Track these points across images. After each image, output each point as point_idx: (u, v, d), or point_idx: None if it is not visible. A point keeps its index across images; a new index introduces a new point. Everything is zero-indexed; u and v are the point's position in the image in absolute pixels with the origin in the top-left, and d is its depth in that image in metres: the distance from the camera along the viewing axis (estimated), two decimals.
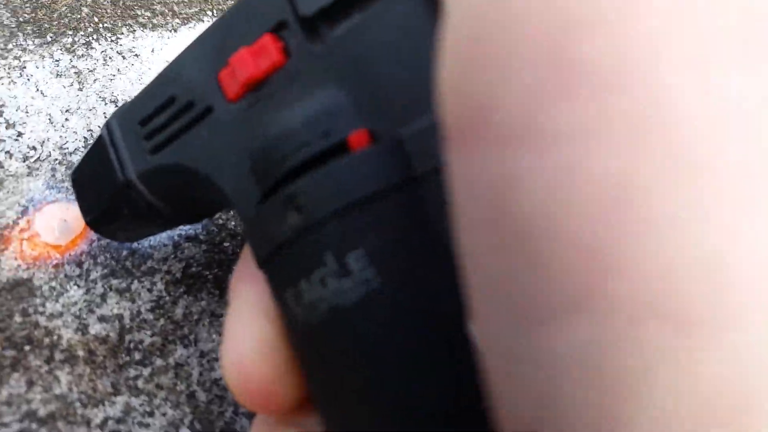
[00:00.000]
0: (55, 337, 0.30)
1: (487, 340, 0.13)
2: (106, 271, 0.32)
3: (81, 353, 0.30)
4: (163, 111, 0.22)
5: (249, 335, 0.19)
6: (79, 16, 0.41)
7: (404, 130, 0.16)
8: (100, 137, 0.26)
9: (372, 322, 0.16)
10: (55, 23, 0.40)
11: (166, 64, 0.38)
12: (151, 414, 0.29)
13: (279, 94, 0.19)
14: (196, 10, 0.42)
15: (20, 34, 0.39)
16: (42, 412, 0.29)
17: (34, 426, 0.28)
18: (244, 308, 0.20)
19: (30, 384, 0.29)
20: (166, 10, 0.42)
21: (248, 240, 0.19)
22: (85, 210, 0.28)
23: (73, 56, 0.39)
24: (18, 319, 0.30)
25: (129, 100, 0.26)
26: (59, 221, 0.32)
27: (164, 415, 0.29)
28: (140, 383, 0.30)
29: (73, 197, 0.33)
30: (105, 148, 0.26)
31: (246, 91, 0.19)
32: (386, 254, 0.15)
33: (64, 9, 0.41)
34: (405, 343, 0.15)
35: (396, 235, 0.16)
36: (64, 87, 0.37)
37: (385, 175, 0.16)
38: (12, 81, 0.37)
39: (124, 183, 0.24)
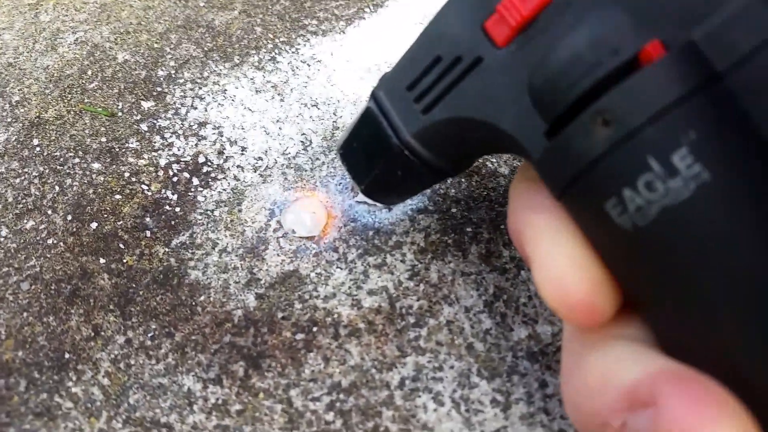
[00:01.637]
0: (335, 316, 0.33)
1: None
2: (360, 251, 0.35)
3: (362, 325, 0.33)
4: (430, 71, 0.23)
5: (562, 255, 0.19)
6: (255, 36, 0.44)
7: (694, 35, 0.17)
8: (367, 110, 0.28)
9: (709, 212, 0.16)
10: (236, 46, 0.43)
11: (347, 63, 0.41)
12: (440, 369, 0.31)
13: (552, 28, 0.20)
14: (355, 9, 0.45)
15: (210, 62, 0.42)
16: (344, 382, 0.31)
17: (341, 396, 0.31)
18: (547, 234, 0.20)
19: (326, 360, 0.32)
20: (329, 15, 0.45)
21: (541, 169, 0.20)
22: (359, 179, 0.31)
23: (264, 72, 0.42)
24: (298, 305, 0.33)
25: (388, 70, 0.28)
26: (308, 215, 0.35)
27: (452, 367, 0.31)
28: (422, 343, 0.32)
29: (310, 192, 0.36)
30: (375, 119, 0.27)
31: (516, 33, 0.21)
32: (709, 147, 0.16)
33: (239, 32, 0.44)
34: (744, 223, 0.16)
35: (714, 128, 0.16)
36: (267, 101, 0.40)
37: (688, 77, 0.16)
38: (219, 104, 0.40)
39: (399, 146, 0.26)
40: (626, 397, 0.19)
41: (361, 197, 0.36)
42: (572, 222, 0.21)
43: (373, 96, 0.28)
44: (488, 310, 0.32)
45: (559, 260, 0.20)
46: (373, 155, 0.29)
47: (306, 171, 0.37)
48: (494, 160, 0.37)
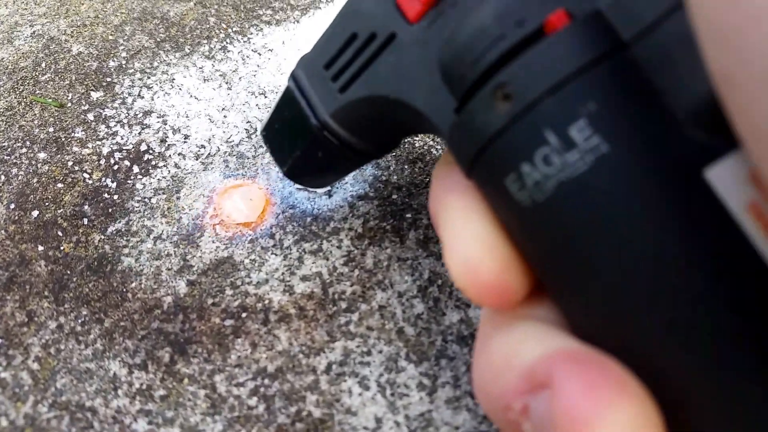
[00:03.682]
0: (266, 302, 0.33)
1: None
2: (296, 237, 0.34)
3: (293, 311, 0.32)
4: (347, 49, 0.23)
5: (470, 235, 0.19)
6: (208, 26, 0.44)
7: (601, 3, 0.16)
8: (287, 90, 0.28)
9: (607, 186, 0.15)
10: (188, 36, 0.43)
11: (298, 52, 0.40)
12: (368, 353, 0.31)
13: (461, 2, 0.19)
14: (310, 0, 0.45)
15: (161, 52, 0.42)
16: (270, 368, 0.31)
17: (266, 381, 0.30)
18: (458, 214, 0.20)
19: (254, 346, 0.31)
20: (285, 5, 0.45)
21: (451, 146, 0.19)
22: (281, 161, 0.30)
23: (214, 61, 0.42)
24: (229, 291, 0.33)
25: (308, 50, 0.28)
26: (245, 201, 0.35)
27: (380, 352, 0.31)
28: (352, 328, 0.32)
29: (250, 180, 0.36)
30: (294, 99, 0.26)
31: (427, 8, 0.20)
32: (609, 119, 0.15)
33: (192, 23, 0.44)
34: (644, 198, 0.15)
35: (616, 99, 0.16)
36: (214, 89, 0.40)
37: (591, 46, 0.16)
38: (166, 92, 0.40)
39: (318, 126, 0.25)
40: (525, 377, 0.18)
41: None
42: (483, 202, 0.21)
43: (292, 76, 0.28)
44: (422, 295, 0.32)
45: (468, 240, 0.20)
46: (294, 136, 0.29)
47: (248, 158, 0.37)
48: (439, 147, 0.37)
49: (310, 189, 0.35)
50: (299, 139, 0.28)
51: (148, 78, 0.41)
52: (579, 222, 0.16)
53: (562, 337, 0.19)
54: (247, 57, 0.41)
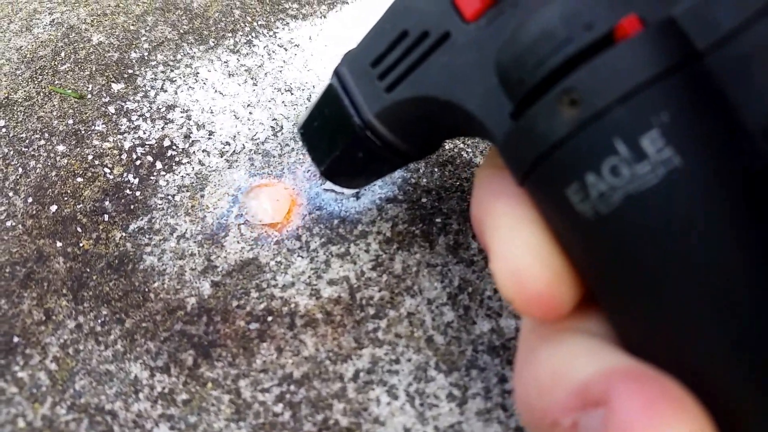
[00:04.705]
0: (292, 305, 0.32)
1: None
2: (323, 240, 0.33)
3: (319, 316, 0.31)
4: (396, 47, 0.22)
5: (520, 243, 0.18)
6: (233, 19, 0.43)
7: (675, 10, 0.16)
8: (329, 87, 0.27)
9: (677, 201, 0.15)
10: (213, 29, 0.42)
11: (325, 48, 0.39)
12: (397, 361, 0.30)
13: (524, 1, 0.19)
14: None
15: (184, 44, 0.41)
16: (296, 374, 0.30)
17: (292, 387, 0.30)
18: (506, 221, 0.19)
19: (279, 351, 0.31)
20: None
21: (504, 152, 0.19)
22: (318, 160, 0.29)
23: (239, 55, 0.41)
24: (254, 294, 0.32)
25: (354, 47, 0.25)
26: (272, 202, 0.34)
27: (409, 360, 0.30)
28: (380, 335, 0.31)
29: (276, 179, 0.35)
30: (337, 97, 0.25)
31: (486, 7, 0.20)
32: (682, 131, 0.15)
33: (217, 15, 0.43)
34: (717, 214, 0.15)
35: (690, 110, 0.15)
36: (239, 84, 0.39)
37: (665, 56, 0.15)
38: (190, 87, 0.39)
39: (361, 126, 0.24)
40: (578, 394, 0.18)
41: (328, 185, 0.35)
42: (535, 210, 0.20)
43: (336, 73, 0.27)
44: (451, 302, 0.31)
45: (517, 249, 0.19)
46: (334, 136, 0.28)
47: (274, 157, 0.36)
48: (469, 150, 0.36)
49: (338, 190, 0.34)
50: (340, 139, 0.27)
51: (172, 71, 0.40)
52: (647, 237, 0.16)
53: (615, 353, 0.18)
54: (273, 52, 0.40)
